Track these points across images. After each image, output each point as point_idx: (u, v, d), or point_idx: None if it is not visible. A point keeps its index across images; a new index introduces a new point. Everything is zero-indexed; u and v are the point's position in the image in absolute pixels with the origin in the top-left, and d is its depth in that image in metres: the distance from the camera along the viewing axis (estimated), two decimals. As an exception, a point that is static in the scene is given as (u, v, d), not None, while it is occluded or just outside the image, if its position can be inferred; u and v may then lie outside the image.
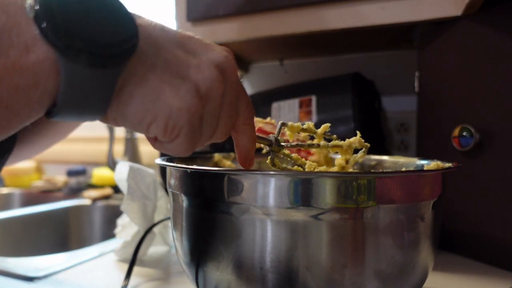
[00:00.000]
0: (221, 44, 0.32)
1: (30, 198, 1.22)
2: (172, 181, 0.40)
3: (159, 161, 0.41)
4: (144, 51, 0.25)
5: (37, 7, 0.21)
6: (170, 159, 0.44)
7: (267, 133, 0.44)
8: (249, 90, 1.11)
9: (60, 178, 1.31)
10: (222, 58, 0.29)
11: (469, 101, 0.58)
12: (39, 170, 1.45)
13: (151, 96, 0.26)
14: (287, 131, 0.41)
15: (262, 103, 0.82)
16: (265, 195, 0.31)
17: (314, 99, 0.76)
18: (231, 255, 0.33)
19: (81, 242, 1.02)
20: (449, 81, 0.62)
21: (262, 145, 0.39)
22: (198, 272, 0.37)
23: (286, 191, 0.31)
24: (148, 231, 0.56)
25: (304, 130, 0.41)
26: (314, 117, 0.71)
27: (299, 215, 0.31)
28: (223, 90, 0.29)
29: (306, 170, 0.39)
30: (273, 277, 0.32)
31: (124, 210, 0.58)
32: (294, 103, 0.77)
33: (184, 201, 0.37)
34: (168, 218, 0.60)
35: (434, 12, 0.60)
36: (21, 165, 1.33)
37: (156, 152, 0.84)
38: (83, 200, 1.08)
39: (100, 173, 1.23)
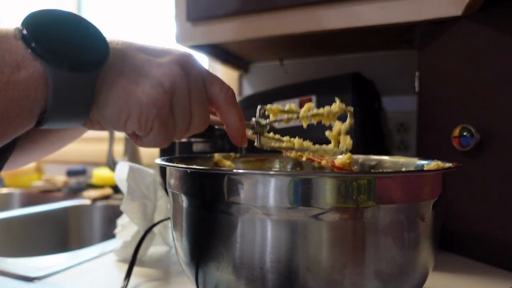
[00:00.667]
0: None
1: (30, 198, 1.22)
2: (172, 181, 0.40)
3: (159, 161, 0.41)
4: (113, 61, 0.30)
5: (24, 32, 0.27)
6: (170, 159, 0.44)
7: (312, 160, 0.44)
8: (249, 90, 1.11)
9: (60, 178, 1.31)
10: (180, 56, 0.33)
11: (469, 101, 0.58)
12: (39, 170, 1.45)
13: (123, 97, 0.30)
14: (270, 115, 0.42)
15: (262, 103, 0.82)
16: (265, 195, 0.31)
17: (314, 99, 0.76)
18: (231, 255, 0.33)
19: (81, 242, 1.02)
20: (449, 81, 0.62)
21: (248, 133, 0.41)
22: (198, 272, 0.37)
23: (286, 191, 0.31)
24: (148, 231, 0.56)
25: (285, 112, 0.42)
26: (314, 117, 0.71)
27: (299, 215, 0.31)
28: (186, 82, 0.32)
29: (295, 145, 0.42)
30: (273, 277, 0.32)
31: (124, 210, 0.57)
32: (294, 103, 0.77)
33: (184, 201, 0.37)
34: (168, 218, 0.60)
35: (434, 12, 0.60)
36: (21, 165, 1.32)
37: (156, 152, 0.84)
38: (83, 200, 1.08)
39: (100, 173, 1.23)
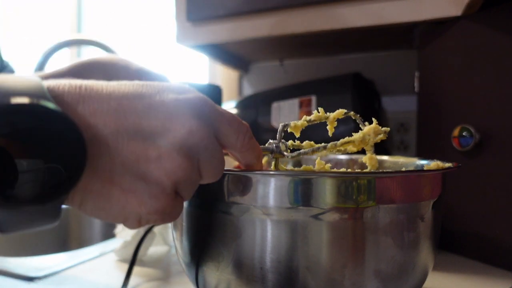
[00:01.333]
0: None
1: (30, 198, 1.22)
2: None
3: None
4: (96, 163, 0.23)
5: None
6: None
7: None
8: (249, 90, 1.11)
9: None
10: (184, 135, 0.25)
11: (469, 101, 0.58)
12: (39, 170, 1.45)
13: (117, 207, 0.25)
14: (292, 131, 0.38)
15: (262, 103, 0.82)
16: (265, 195, 0.31)
17: (314, 99, 0.76)
18: (231, 255, 0.33)
19: (81, 242, 1.02)
20: (449, 81, 0.62)
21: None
22: (198, 272, 0.37)
23: (286, 191, 0.31)
24: (148, 231, 0.56)
25: (311, 121, 0.38)
26: (314, 117, 0.71)
27: (299, 215, 0.31)
28: (192, 167, 0.26)
29: (316, 168, 0.37)
30: (273, 277, 0.32)
31: (124, 210, 0.57)
32: (294, 103, 0.77)
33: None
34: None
35: (434, 12, 0.60)
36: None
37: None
38: (83, 200, 1.08)
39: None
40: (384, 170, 0.50)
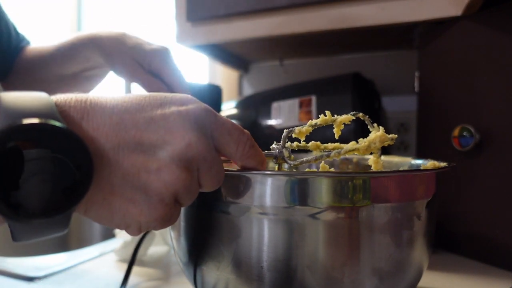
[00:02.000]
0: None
1: (30, 198, 1.22)
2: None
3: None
4: (98, 175, 0.24)
5: None
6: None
7: None
8: (249, 90, 1.11)
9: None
10: (183, 148, 0.26)
11: (469, 101, 0.58)
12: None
13: (117, 215, 0.26)
14: (296, 136, 0.38)
15: (262, 103, 0.82)
16: (262, 194, 0.31)
17: (314, 99, 0.76)
18: (232, 254, 0.33)
19: (81, 242, 1.02)
20: (449, 81, 0.62)
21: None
22: (196, 271, 0.37)
23: (283, 190, 0.31)
24: (148, 231, 0.56)
25: (316, 126, 0.37)
26: (314, 117, 0.71)
27: (296, 214, 0.31)
28: (191, 179, 0.27)
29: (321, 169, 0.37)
30: (273, 276, 0.32)
31: (123, 210, 0.57)
32: (294, 103, 0.77)
33: (182, 201, 0.37)
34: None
35: (434, 12, 0.60)
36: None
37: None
38: (83, 200, 1.08)
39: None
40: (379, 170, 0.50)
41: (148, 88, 0.52)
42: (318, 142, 0.40)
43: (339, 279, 0.32)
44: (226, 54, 0.96)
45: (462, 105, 0.59)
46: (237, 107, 0.86)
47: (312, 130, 0.38)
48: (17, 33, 0.64)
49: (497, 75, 0.54)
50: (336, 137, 0.39)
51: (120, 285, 0.48)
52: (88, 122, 0.25)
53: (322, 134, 0.45)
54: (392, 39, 0.84)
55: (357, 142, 0.38)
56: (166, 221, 0.27)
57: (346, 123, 0.38)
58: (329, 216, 0.31)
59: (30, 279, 0.51)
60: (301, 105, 0.75)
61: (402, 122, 0.94)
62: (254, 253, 0.32)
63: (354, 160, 0.53)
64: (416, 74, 0.71)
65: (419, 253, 0.35)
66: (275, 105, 0.78)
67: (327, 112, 0.38)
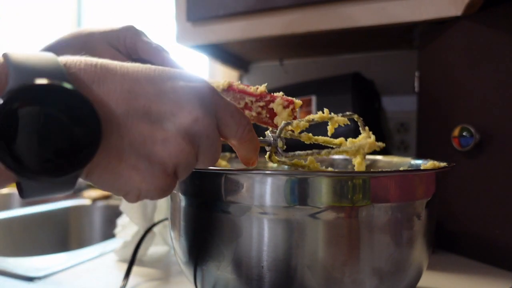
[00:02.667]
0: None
1: (30, 198, 1.22)
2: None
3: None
4: (107, 139, 0.25)
5: None
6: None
7: (235, 90, 0.41)
8: (249, 90, 1.11)
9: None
10: (190, 122, 0.27)
11: (469, 101, 0.58)
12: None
13: (120, 181, 0.26)
14: (292, 128, 0.38)
15: (262, 103, 0.82)
16: (262, 194, 0.31)
17: (314, 99, 0.76)
18: (232, 254, 0.33)
19: (81, 242, 1.02)
20: (449, 81, 0.62)
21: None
22: (196, 271, 0.37)
23: (283, 190, 0.31)
24: (148, 231, 0.56)
25: (313, 121, 0.38)
26: (314, 117, 0.71)
27: (296, 214, 0.31)
28: (193, 153, 0.27)
29: (308, 163, 0.37)
30: (273, 276, 0.32)
31: (123, 210, 0.58)
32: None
33: (182, 200, 0.38)
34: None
35: (434, 12, 0.60)
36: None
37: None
38: (83, 200, 1.08)
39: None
40: (378, 170, 0.50)
41: None
42: (310, 134, 0.40)
43: (339, 278, 0.32)
44: (226, 54, 0.96)
45: (462, 105, 0.59)
46: (237, 107, 0.86)
47: (309, 126, 0.39)
48: None
49: (497, 75, 0.54)
50: (329, 134, 0.40)
51: (120, 285, 0.48)
52: (99, 87, 0.25)
53: (323, 133, 0.45)
54: (392, 39, 0.84)
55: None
56: (164, 191, 0.28)
57: (342, 124, 0.39)
58: (329, 216, 0.31)
59: (30, 279, 0.51)
60: (301, 105, 0.75)
61: (402, 122, 0.94)
62: (254, 253, 0.32)
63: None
64: (416, 74, 0.71)
65: (419, 253, 0.35)
66: (275, 105, 0.78)
67: (325, 110, 0.39)
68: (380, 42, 0.88)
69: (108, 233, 0.95)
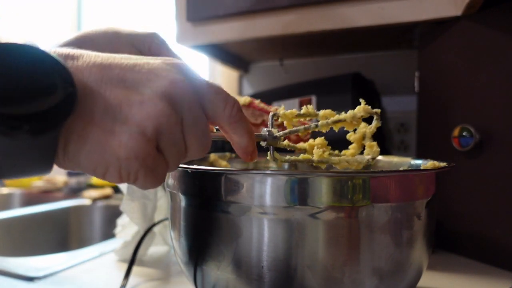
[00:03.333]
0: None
1: (30, 198, 1.23)
2: (170, 181, 0.40)
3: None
4: (81, 103, 0.24)
5: None
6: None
7: (256, 107, 0.42)
8: (249, 90, 1.11)
9: (60, 178, 1.31)
10: (167, 84, 0.26)
11: (469, 101, 0.58)
12: (39, 170, 1.45)
13: (96, 150, 0.25)
14: (284, 122, 0.37)
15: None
16: (262, 194, 0.31)
17: (314, 99, 0.76)
18: (232, 254, 0.33)
19: (81, 242, 1.02)
20: (449, 81, 0.62)
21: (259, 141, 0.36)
22: (196, 271, 0.37)
23: (283, 190, 0.31)
24: (148, 231, 0.56)
25: (301, 115, 0.37)
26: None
27: (296, 214, 0.31)
28: (175, 119, 0.26)
29: (315, 157, 0.36)
30: (273, 276, 0.32)
31: (124, 210, 0.58)
32: (294, 103, 0.77)
33: (182, 200, 0.38)
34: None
35: (434, 12, 0.60)
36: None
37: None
38: (83, 200, 1.08)
39: (100, 173, 1.23)
40: (378, 170, 0.50)
41: None
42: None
43: (339, 278, 0.32)
44: (226, 54, 0.96)
45: (462, 105, 0.59)
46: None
47: (311, 131, 0.38)
48: None
49: (497, 75, 0.54)
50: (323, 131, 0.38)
51: (120, 285, 0.48)
52: (72, 61, 0.25)
53: (333, 137, 0.45)
54: (392, 39, 0.84)
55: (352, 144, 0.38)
56: (148, 167, 0.26)
57: (330, 116, 0.38)
58: (329, 216, 0.31)
59: (30, 279, 0.51)
60: (301, 105, 0.75)
61: (402, 122, 0.94)
62: (254, 253, 0.32)
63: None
64: (416, 74, 0.71)
65: (419, 253, 0.35)
66: (275, 105, 0.78)
67: (309, 106, 0.38)
68: (380, 42, 0.88)
69: (108, 233, 0.95)
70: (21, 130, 0.21)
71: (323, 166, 0.37)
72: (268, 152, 0.36)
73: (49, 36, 1.56)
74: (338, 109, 0.40)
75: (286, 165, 0.56)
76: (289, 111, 0.37)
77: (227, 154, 0.55)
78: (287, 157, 0.36)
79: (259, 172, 0.32)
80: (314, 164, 0.37)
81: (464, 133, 0.56)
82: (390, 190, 0.32)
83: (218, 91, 0.29)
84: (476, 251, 0.58)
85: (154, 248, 0.65)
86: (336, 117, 0.37)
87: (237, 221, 0.33)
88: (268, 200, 0.31)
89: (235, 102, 0.30)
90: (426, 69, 0.68)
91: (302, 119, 0.38)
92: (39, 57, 0.23)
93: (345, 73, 0.79)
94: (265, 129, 0.35)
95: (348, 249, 0.32)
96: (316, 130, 0.37)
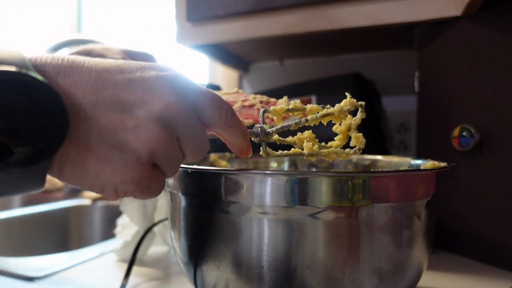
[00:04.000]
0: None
1: (30, 198, 1.22)
2: (170, 180, 0.40)
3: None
4: (75, 129, 0.24)
5: None
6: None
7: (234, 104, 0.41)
8: (249, 90, 1.11)
9: (61, 178, 1.31)
10: (162, 107, 0.26)
11: (469, 101, 0.58)
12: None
13: (92, 174, 0.25)
14: (272, 116, 0.38)
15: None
16: (262, 194, 0.31)
17: (314, 99, 0.76)
18: (232, 254, 0.33)
19: (81, 242, 1.02)
20: (449, 81, 0.62)
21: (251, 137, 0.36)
22: (196, 271, 0.37)
23: (283, 190, 0.31)
24: (148, 231, 0.56)
25: (290, 110, 0.38)
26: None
27: (296, 214, 0.31)
28: (170, 140, 0.26)
29: (305, 150, 0.37)
30: (273, 276, 0.32)
31: (123, 210, 0.58)
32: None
33: (182, 200, 0.38)
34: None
35: (434, 12, 0.60)
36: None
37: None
38: (83, 200, 1.08)
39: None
40: (378, 170, 0.50)
41: None
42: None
43: (339, 278, 0.32)
44: (226, 54, 0.96)
45: (462, 105, 0.59)
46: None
47: (302, 126, 0.38)
48: None
49: (497, 75, 0.54)
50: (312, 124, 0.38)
51: (120, 285, 0.48)
52: (64, 78, 0.24)
53: (322, 133, 0.45)
54: (392, 39, 0.84)
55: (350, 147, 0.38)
56: (144, 185, 0.26)
57: (316, 111, 0.37)
58: (329, 215, 0.31)
59: (30, 279, 0.51)
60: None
61: (402, 122, 0.94)
62: (255, 253, 0.32)
63: (354, 160, 0.53)
64: (416, 74, 0.71)
65: (419, 253, 0.35)
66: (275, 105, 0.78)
67: (297, 101, 0.38)
68: (380, 42, 0.88)
69: (108, 233, 0.95)
70: (10, 165, 0.21)
71: (313, 159, 0.37)
72: (261, 148, 0.36)
73: (49, 36, 1.56)
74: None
75: (286, 165, 0.56)
76: (279, 107, 0.37)
77: (227, 154, 0.55)
78: (279, 151, 0.37)
79: (259, 172, 0.32)
80: (305, 157, 0.37)
81: (464, 133, 0.56)
82: (390, 190, 0.32)
83: (212, 99, 0.29)
84: (476, 251, 0.58)
85: (154, 248, 0.65)
86: (325, 111, 0.37)
87: (237, 221, 0.33)
88: (268, 200, 0.31)
89: (229, 107, 0.30)
90: (426, 69, 0.68)
91: (290, 114, 0.38)
92: (35, 89, 0.22)
93: (345, 73, 0.79)
94: (257, 125, 0.35)
95: (348, 249, 0.32)
96: (306, 124, 0.37)
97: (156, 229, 0.61)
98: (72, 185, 0.26)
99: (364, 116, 0.38)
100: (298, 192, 0.31)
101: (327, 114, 0.37)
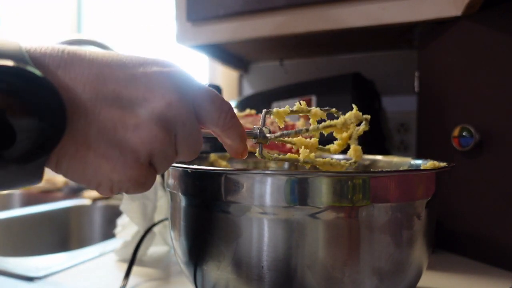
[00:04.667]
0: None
1: (30, 198, 1.23)
2: (170, 181, 0.40)
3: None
4: (74, 124, 0.23)
5: None
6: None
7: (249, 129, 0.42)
8: (249, 90, 1.11)
9: (60, 178, 1.31)
10: (163, 106, 0.25)
11: (469, 101, 0.58)
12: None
13: (90, 171, 0.25)
14: (275, 118, 0.37)
15: (262, 103, 0.82)
16: (262, 194, 0.31)
17: (314, 99, 0.76)
18: (232, 254, 0.33)
19: (81, 242, 1.02)
20: (449, 81, 0.62)
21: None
22: (196, 271, 0.37)
23: (283, 190, 0.31)
24: (148, 231, 0.56)
25: (294, 112, 0.37)
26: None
27: (296, 214, 0.31)
28: (169, 140, 0.26)
29: (300, 157, 0.36)
30: (273, 276, 0.32)
31: (123, 210, 0.58)
32: (294, 103, 0.77)
33: (182, 200, 0.38)
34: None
35: (434, 12, 0.60)
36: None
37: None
38: (83, 200, 1.08)
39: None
40: (378, 170, 0.50)
41: None
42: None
43: (339, 278, 0.32)
44: (226, 54, 0.96)
45: (462, 105, 0.59)
46: (237, 107, 0.86)
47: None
48: None
49: (497, 75, 0.54)
50: (310, 127, 0.37)
51: (120, 285, 0.48)
52: (64, 72, 0.23)
53: (321, 136, 0.45)
54: (392, 39, 0.84)
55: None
56: (139, 183, 0.26)
57: (318, 116, 0.38)
58: (329, 215, 0.31)
59: (30, 279, 0.51)
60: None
61: (402, 122, 0.94)
62: (255, 253, 0.32)
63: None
64: (416, 74, 0.71)
65: (419, 253, 0.35)
66: (275, 105, 0.78)
67: (302, 102, 0.37)
68: (380, 42, 0.88)
69: (108, 233, 0.95)
70: (7, 161, 0.21)
71: (308, 166, 0.37)
72: (257, 149, 0.36)
73: (49, 36, 1.56)
74: (338, 109, 0.40)
75: (286, 165, 0.56)
76: (282, 109, 0.37)
77: (227, 154, 0.55)
78: (275, 155, 0.36)
79: (259, 172, 0.32)
80: (299, 164, 0.37)
81: (464, 133, 0.56)
82: (390, 190, 0.32)
83: (213, 99, 0.29)
84: (476, 251, 0.58)
85: (154, 248, 0.65)
86: (328, 122, 0.37)
87: (237, 221, 0.33)
88: (268, 200, 0.31)
89: (229, 108, 0.30)
90: (426, 69, 0.68)
91: (293, 130, 0.37)
92: (33, 85, 0.21)
93: (345, 73, 0.79)
94: (256, 127, 0.35)
95: (348, 249, 0.32)
96: (307, 134, 0.36)
97: (156, 229, 0.61)
98: (68, 179, 0.26)
99: (367, 129, 0.38)
100: (298, 192, 0.31)
101: (330, 126, 0.37)
